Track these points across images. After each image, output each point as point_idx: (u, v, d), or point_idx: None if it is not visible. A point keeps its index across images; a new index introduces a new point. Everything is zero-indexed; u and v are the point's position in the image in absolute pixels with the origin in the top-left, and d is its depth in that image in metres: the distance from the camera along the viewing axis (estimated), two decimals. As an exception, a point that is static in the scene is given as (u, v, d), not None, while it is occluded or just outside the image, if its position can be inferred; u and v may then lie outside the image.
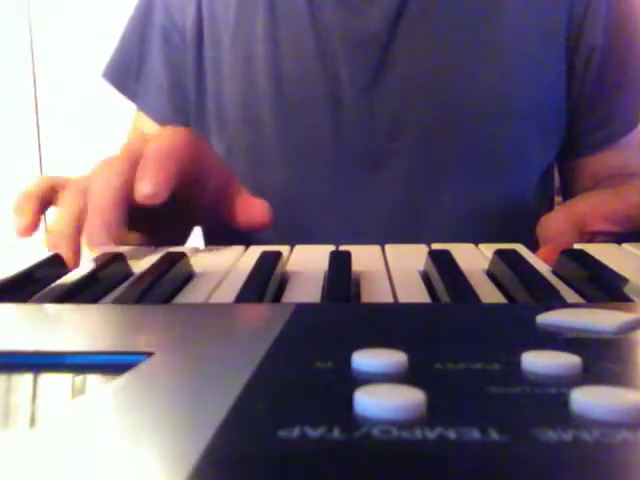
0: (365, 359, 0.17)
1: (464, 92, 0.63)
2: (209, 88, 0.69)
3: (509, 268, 0.32)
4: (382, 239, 0.42)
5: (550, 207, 0.74)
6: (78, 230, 0.41)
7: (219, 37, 0.68)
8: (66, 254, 0.39)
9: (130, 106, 0.75)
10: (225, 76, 0.68)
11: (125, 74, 0.73)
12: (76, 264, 0.40)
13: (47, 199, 0.46)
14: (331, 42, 0.64)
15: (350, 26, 0.64)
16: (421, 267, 0.36)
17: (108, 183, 0.41)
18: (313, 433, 0.13)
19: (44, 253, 0.37)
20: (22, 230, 0.44)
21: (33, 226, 0.44)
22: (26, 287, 0.32)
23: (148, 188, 0.40)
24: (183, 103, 0.71)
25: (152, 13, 0.72)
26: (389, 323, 0.24)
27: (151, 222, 0.47)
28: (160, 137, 0.44)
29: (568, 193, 0.73)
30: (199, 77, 0.70)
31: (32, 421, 0.18)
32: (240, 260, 0.39)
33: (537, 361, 0.17)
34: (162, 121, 0.71)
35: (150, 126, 0.72)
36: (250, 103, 0.67)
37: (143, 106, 0.73)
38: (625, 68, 0.67)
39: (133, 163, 0.42)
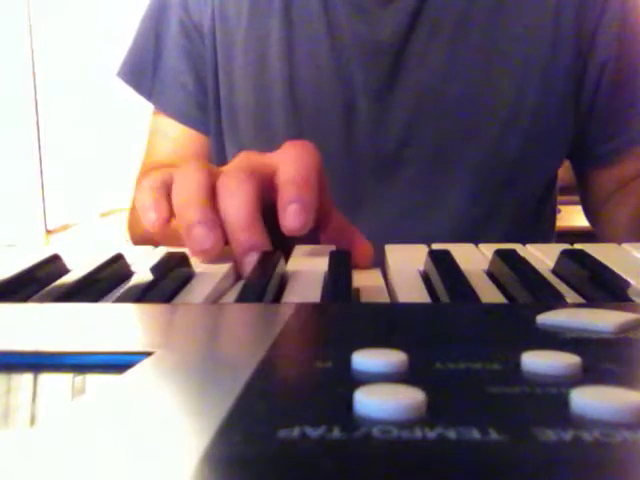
0: (365, 359, 0.17)
1: (474, 100, 0.64)
2: (222, 89, 0.69)
3: (509, 268, 0.32)
4: (390, 242, 0.42)
5: (554, 209, 0.75)
6: (213, 204, 0.36)
7: (231, 38, 0.68)
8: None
9: (130, 106, 0.75)
10: (237, 79, 0.67)
11: (141, 73, 0.72)
12: (219, 247, 0.35)
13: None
14: (345, 48, 0.64)
15: (364, 33, 0.64)
16: (421, 267, 0.36)
17: (246, 201, 0.37)
18: (313, 433, 0.13)
19: (44, 253, 0.37)
20: (161, 223, 0.38)
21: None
22: (26, 287, 0.32)
23: (296, 222, 0.36)
24: (206, 101, 0.70)
25: (167, 10, 0.71)
26: (389, 323, 0.24)
27: None
28: (296, 155, 0.40)
29: (590, 199, 0.73)
30: (215, 78, 0.69)
31: (32, 421, 0.18)
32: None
33: (537, 361, 0.17)
34: (185, 120, 0.71)
35: (172, 126, 0.71)
36: (262, 106, 0.66)
37: (162, 105, 0.72)
38: (638, 76, 0.67)
39: (259, 177, 0.38)
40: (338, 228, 0.42)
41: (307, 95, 0.65)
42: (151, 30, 0.72)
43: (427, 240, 0.42)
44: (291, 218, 0.36)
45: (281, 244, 0.38)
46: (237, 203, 0.37)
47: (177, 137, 0.71)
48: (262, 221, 0.37)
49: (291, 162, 0.39)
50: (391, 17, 0.64)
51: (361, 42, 0.64)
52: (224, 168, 0.42)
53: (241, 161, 0.41)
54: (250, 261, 0.35)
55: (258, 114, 0.67)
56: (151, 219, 0.38)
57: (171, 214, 0.38)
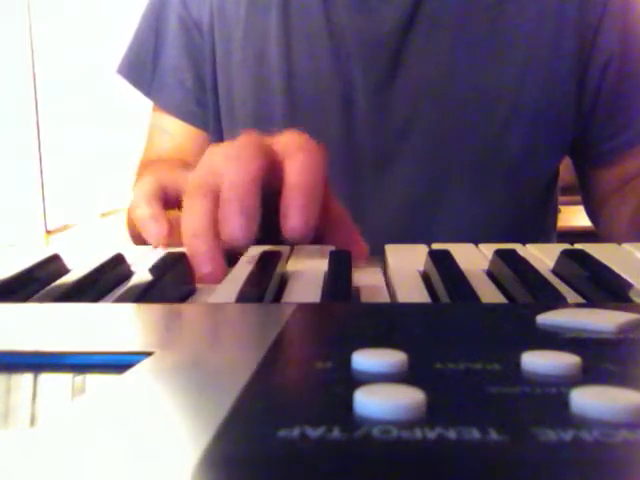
0: (365, 359, 0.17)
1: (474, 95, 0.64)
2: (220, 85, 0.69)
3: (509, 268, 0.32)
4: (390, 239, 0.42)
5: (555, 207, 0.75)
6: (217, 234, 0.37)
7: (229, 33, 0.68)
8: (210, 261, 0.36)
9: (130, 106, 0.75)
10: (235, 73, 0.67)
11: (140, 69, 0.72)
12: (221, 273, 0.36)
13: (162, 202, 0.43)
14: (344, 42, 0.64)
15: (363, 26, 0.64)
16: (421, 267, 0.36)
17: (246, 183, 0.37)
18: (313, 433, 0.13)
19: (44, 253, 0.37)
20: (163, 237, 0.40)
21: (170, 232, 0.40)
22: (26, 287, 0.32)
23: (299, 226, 0.36)
24: (205, 97, 0.70)
25: (167, 6, 0.71)
26: (389, 323, 0.24)
27: None
28: (303, 156, 0.39)
29: (591, 197, 0.73)
30: (214, 73, 0.69)
31: (32, 421, 0.18)
32: (240, 260, 0.39)
33: (537, 361, 0.17)
34: (184, 116, 0.71)
35: (171, 122, 0.71)
36: (261, 101, 0.66)
37: (161, 101, 0.72)
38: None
39: (264, 154, 0.39)
40: (337, 221, 0.42)
41: (306, 90, 0.65)
42: (150, 27, 0.72)
43: (427, 236, 0.42)
44: (293, 226, 0.36)
45: (276, 231, 0.38)
46: (237, 172, 0.37)
47: (176, 133, 0.71)
48: (259, 197, 0.37)
49: (298, 162, 0.39)
50: (391, 11, 0.64)
51: (360, 37, 0.64)
52: (228, 143, 0.41)
53: (247, 139, 0.41)
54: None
55: (257, 109, 0.67)
56: (153, 234, 0.39)
57: (170, 225, 0.39)
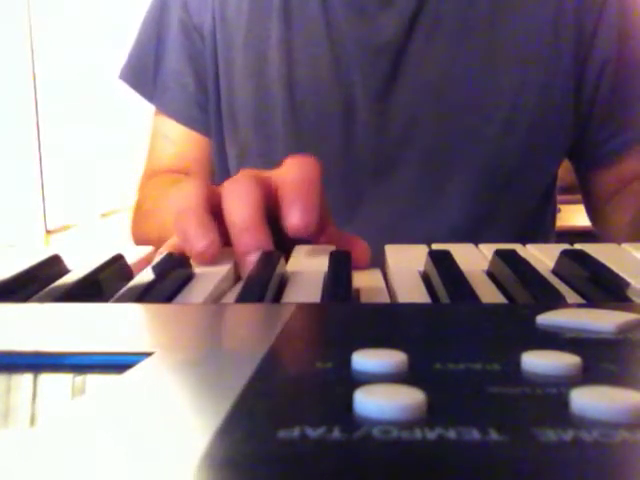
0: (365, 359, 0.17)
1: (473, 99, 0.64)
2: (222, 90, 0.69)
3: (509, 268, 0.32)
4: (390, 243, 0.42)
5: (554, 208, 0.75)
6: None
7: (231, 38, 0.68)
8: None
9: (130, 106, 0.75)
10: (237, 79, 0.68)
11: (142, 75, 0.73)
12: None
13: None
14: (345, 49, 0.64)
15: (364, 34, 0.64)
16: (421, 267, 0.36)
17: (248, 203, 0.37)
18: (313, 433, 0.13)
19: (44, 253, 0.37)
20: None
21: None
22: (26, 287, 0.32)
23: (301, 221, 0.36)
24: (206, 102, 0.70)
25: (168, 11, 0.71)
26: (389, 323, 0.24)
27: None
28: (299, 163, 0.40)
29: (591, 198, 0.73)
30: (216, 78, 0.69)
31: (32, 421, 0.18)
32: (240, 260, 0.39)
33: (537, 361, 0.17)
34: (186, 121, 0.71)
35: (173, 128, 0.71)
36: (261, 107, 0.66)
37: (163, 106, 0.72)
38: (637, 76, 0.67)
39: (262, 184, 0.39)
40: (333, 240, 0.42)
41: (306, 96, 0.65)
42: (152, 32, 0.72)
43: (427, 241, 0.42)
44: (296, 217, 0.36)
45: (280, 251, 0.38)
46: (241, 204, 0.37)
47: (178, 139, 0.72)
48: (266, 223, 0.37)
49: (294, 168, 0.39)
50: (391, 19, 0.64)
51: (360, 44, 0.64)
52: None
53: (243, 172, 0.42)
54: (251, 261, 0.35)
55: (258, 114, 0.67)
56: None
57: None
